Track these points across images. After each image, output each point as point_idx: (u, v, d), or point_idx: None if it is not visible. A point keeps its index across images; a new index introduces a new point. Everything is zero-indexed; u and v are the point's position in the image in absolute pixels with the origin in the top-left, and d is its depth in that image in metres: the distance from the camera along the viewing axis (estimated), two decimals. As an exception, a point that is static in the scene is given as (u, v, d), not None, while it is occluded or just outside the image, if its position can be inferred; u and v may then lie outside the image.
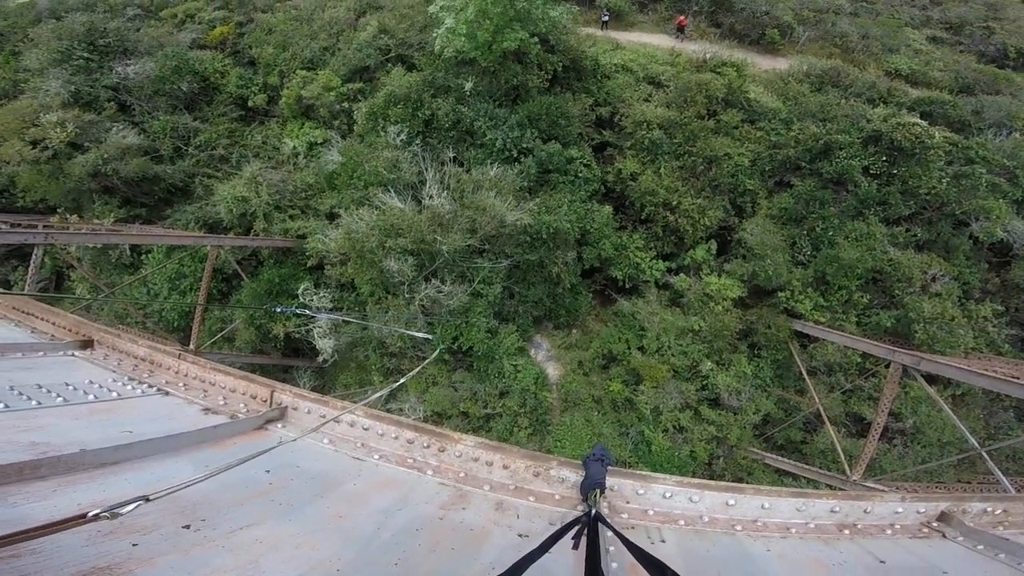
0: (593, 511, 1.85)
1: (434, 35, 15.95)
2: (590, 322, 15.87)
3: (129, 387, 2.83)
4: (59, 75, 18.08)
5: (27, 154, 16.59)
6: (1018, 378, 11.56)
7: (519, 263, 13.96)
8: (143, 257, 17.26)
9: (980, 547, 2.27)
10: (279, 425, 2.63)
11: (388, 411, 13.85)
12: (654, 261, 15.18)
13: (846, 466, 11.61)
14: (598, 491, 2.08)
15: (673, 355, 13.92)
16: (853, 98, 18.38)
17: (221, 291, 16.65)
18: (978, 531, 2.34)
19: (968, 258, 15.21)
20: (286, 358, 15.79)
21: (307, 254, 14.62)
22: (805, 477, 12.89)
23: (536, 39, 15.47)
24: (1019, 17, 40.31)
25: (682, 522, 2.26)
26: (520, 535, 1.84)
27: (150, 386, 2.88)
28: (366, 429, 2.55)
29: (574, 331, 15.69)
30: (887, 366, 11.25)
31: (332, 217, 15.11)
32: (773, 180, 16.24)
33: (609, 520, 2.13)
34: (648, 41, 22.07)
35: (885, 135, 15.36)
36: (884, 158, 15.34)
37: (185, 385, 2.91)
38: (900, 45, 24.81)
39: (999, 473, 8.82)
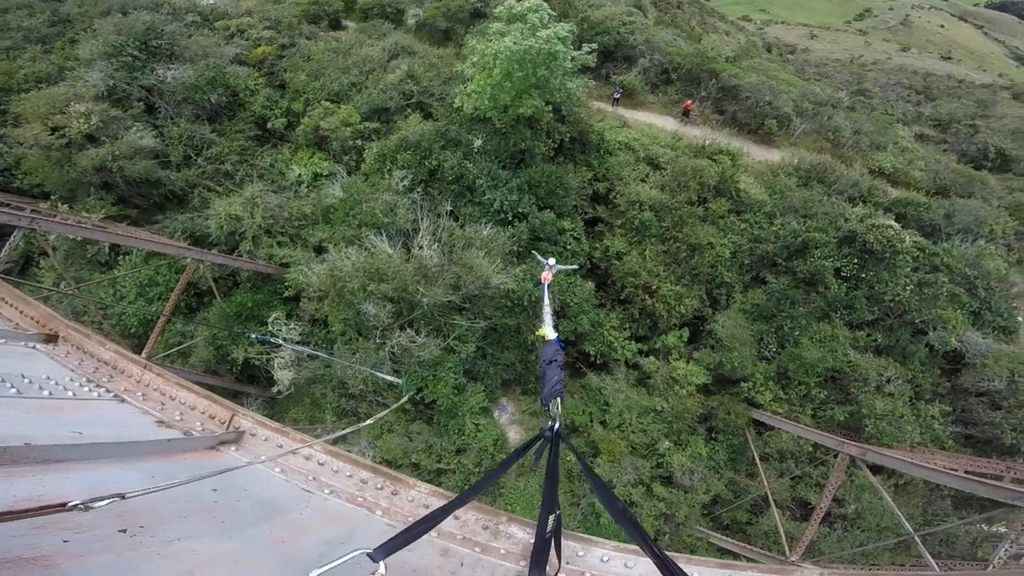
0: (556, 427, 1.90)
1: (457, 90, 16.64)
2: (559, 390, 16.32)
3: (86, 389, 2.81)
4: (104, 68, 18.40)
5: (43, 139, 16.63)
6: (956, 470, 12.23)
7: (496, 326, 14.24)
8: (120, 258, 17.01)
9: None
10: (233, 448, 2.64)
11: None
12: (627, 341, 15.57)
13: (786, 547, 11.87)
14: (557, 400, 2.12)
15: (633, 432, 14.15)
16: (836, 195, 19.25)
17: (190, 305, 16.46)
18: None
19: (923, 363, 15.77)
20: (239, 383, 15.43)
21: (286, 284, 14.66)
22: (746, 556, 13.12)
23: (550, 107, 16.15)
24: (1006, 115, 42.52)
25: None
26: (485, 527, 1.90)
27: (107, 391, 2.86)
28: (321, 464, 2.61)
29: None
30: (836, 456, 11.76)
31: (320, 251, 15.26)
32: (750, 275, 16.90)
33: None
34: (654, 122, 22.86)
35: (859, 236, 16.01)
36: (856, 260, 16.02)
37: (144, 395, 2.90)
38: (888, 142, 25.96)
39: (928, 556, 9.35)
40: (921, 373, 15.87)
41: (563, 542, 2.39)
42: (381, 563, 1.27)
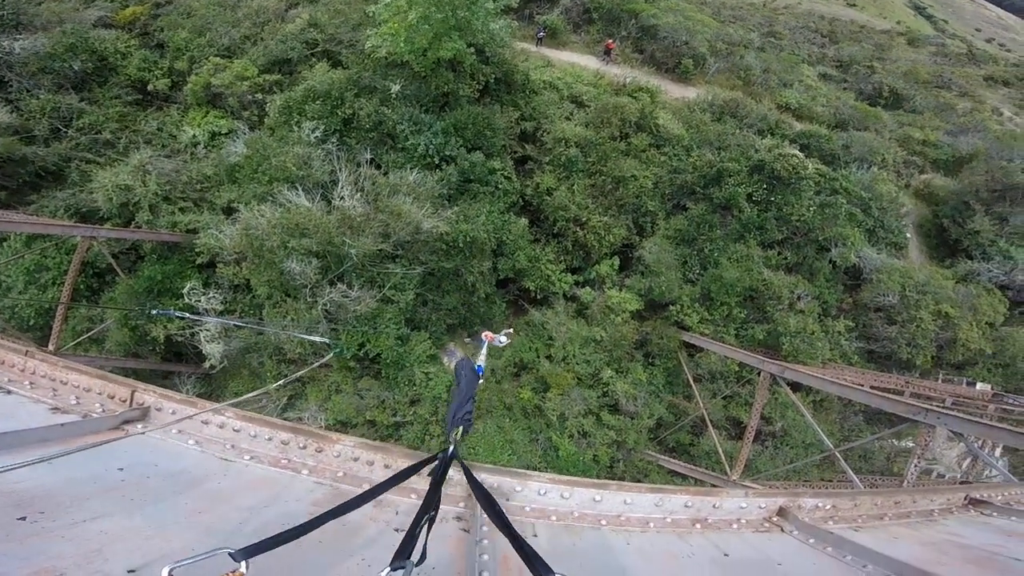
0: (451, 449, 1.94)
1: (367, 34, 15.60)
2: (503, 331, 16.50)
3: (-40, 386, 2.53)
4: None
5: None
6: (863, 386, 13.53)
7: (434, 270, 13.95)
8: (-5, 246, 14.89)
9: (812, 540, 2.45)
10: (139, 426, 2.51)
11: (286, 419, 13.67)
12: (564, 274, 15.99)
13: (727, 467, 12.34)
14: (460, 428, 2.12)
15: (577, 363, 14.71)
16: (746, 128, 20.57)
17: (91, 287, 14.91)
18: (811, 526, 2.52)
19: (828, 280, 17.54)
20: (166, 363, 14.48)
21: (197, 250, 13.57)
22: (693, 477, 13.75)
23: (472, 49, 15.70)
24: (900, 58, 46.24)
25: (554, 518, 2.36)
26: (397, 530, 1.87)
27: (-12, 385, 2.59)
28: (237, 431, 2.50)
29: None
30: (759, 374, 12.31)
31: (230, 212, 14.15)
32: (671, 203, 17.86)
33: (484, 516, 2.17)
34: (577, 61, 23.23)
35: (768, 164, 17.36)
36: (765, 186, 17.37)
37: (32, 384, 2.70)
38: (794, 80, 27.90)
39: (850, 471, 9.58)
40: (827, 290, 17.53)
41: (499, 479, 2.40)
42: (243, 563, 1.22)
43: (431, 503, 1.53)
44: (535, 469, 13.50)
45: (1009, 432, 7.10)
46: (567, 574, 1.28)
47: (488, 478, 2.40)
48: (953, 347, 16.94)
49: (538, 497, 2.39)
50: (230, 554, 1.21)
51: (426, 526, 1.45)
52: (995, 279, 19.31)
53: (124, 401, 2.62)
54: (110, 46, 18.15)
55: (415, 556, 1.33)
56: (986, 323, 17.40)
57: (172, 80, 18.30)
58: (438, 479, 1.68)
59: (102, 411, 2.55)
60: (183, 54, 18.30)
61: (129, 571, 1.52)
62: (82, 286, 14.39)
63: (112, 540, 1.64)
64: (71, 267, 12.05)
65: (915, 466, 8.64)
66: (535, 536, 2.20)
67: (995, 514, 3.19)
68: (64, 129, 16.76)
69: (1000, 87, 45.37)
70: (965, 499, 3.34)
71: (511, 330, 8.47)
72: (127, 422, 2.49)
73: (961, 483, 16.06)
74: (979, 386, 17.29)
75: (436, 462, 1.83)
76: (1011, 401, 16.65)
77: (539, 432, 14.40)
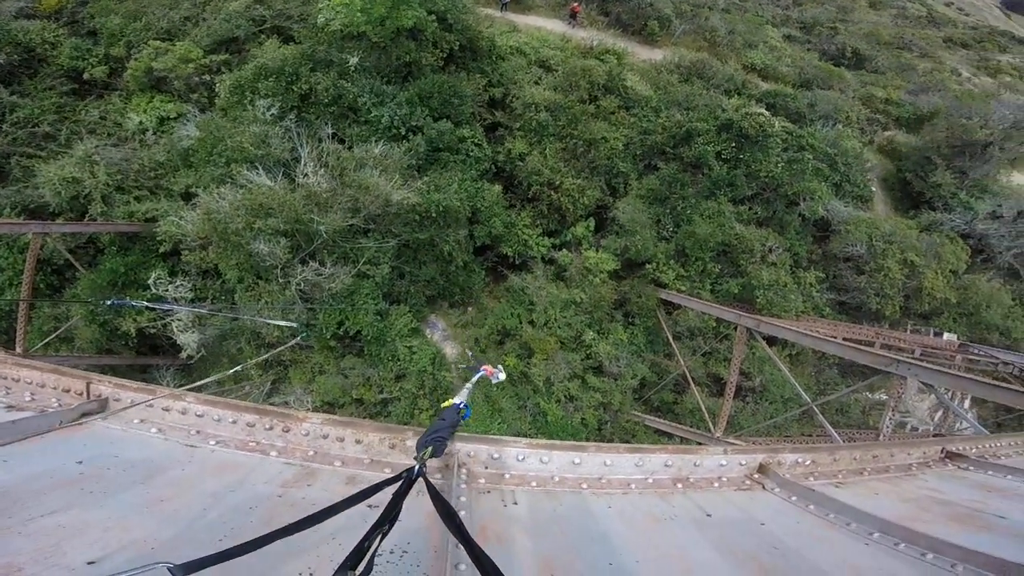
0: (417, 468, 1.83)
1: (319, 7, 15.03)
2: (484, 299, 16.25)
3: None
4: None
5: None
6: (835, 337, 13.85)
7: (408, 242, 13.75)
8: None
9: (794, 498, 2.41)
10: (98, 417, 2.44)
11: (272, 404, 13.34)
12: (540, 238, 15.99)
13: (710, 424, 12.55)
14: (429, 448, 2.04)
15: (559, 327, 14.75)
16: (714, 89, 20.65)
17: (51, 285, 14.32)
18: (791, 482, 2.49)
19: (797, 232, 17.91)
20: (142, 357, 14.08)
21: (159, 239, 13.08)
22: (679, 436, 13.94)
23: (433, 16, 15.24)
24: (863, 20, 46.83)
25: (534, 483, 2.31)
26: (370, 506, 1.82)
27: (-65, 388, 2.49)
28: (200, 416, 2.43)
29: (469, 309, 15.98)
30: (735, 329, 12.35)
31: (189, 197, 13.68)
32: (643, 163, 17.91)
33: (463, 486, 2.14)
34: (543, 25, 22.90)
35: (736, 123, 17.53)
36: (734, 144, 17.54)
37: None
38: (759, 41, 28.05)
39: (828, 425, 9.52)
40: (797, 242, 17.91)
41: (475, 447, 2.35)
42: None
43: (387, 517, 1.48)
44: (525, 435, 13.74)
45: (976, 383, 7.13)
46: (550, 540, 1.20)
47: (464, 446, 2.33)
48: (919, 296, 17.50)
49: (517, 463, 2.34)
50: (169, 569, 1.15)
51: (378, 539, 1.41)
52: (957, 228, 19.99)
53: (80, 394, 2.56)
54: (36, 36, 17.04)
55: (360, 568, 1.28)
56: (950, 271, 17.99)
57: (110, 67, 17.35)
58: (399, 495, 1.63)
59: (58, 405, 2.49)
60: (119, 40, 17.28)
61: (88, 563, 1.49)
62: (42, 284, 13.83)
63: (71, 534, 1.61)
64: (27, 265, 11.61)
65: (890, 419, 8.73)
66: (515, 504, 2.14)
67: (971, 468, 3.21)
68: None
69: (959, 49, 46.44)
70: (941, 452, 3.37)
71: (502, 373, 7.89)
72: (85, 415, 2.43)
73: (934, 435, 16.72)
74: (946, 336, 17.87)
75: (400, 481, 1.77)
76: (976, 351, 17.18)
77: (527, 399, 14.50)
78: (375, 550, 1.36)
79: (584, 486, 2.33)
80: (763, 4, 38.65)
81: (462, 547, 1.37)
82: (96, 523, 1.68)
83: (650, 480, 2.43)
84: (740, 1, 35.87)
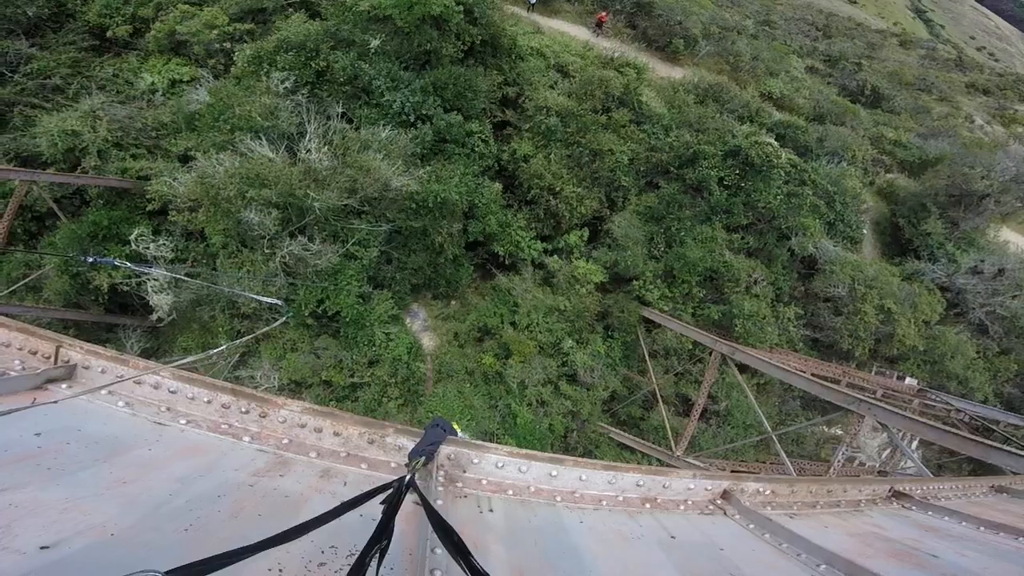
0: (408, 477, 1.81)
1: None
2: (469, 295, 16.33)
3: None
4: None
5: None
6: (805, 372, 14.23)
7: (401, 229, 13.73)
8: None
9: (751, 526, 2.47)
10: (64, 385, 2.27)
11: (237, 379, 12.65)
12: (533, 241, 16.05)
13: (672, 442, 12.87)
14: (422, 459, 2.02)
15: (540, 332, 14.88)
16: (727, 113, 20.75)
17: (29, 231, 14.06)
18: (751, 510, 2.54)
19: (784, 267, 18.12)
20: (110, 314, 13.73)
21: (148, 197, 12.94)
22: (641, 451, 14.35)
23: (461, 8, 15.20)
24: (889, 59, 46.80)
25: (511, 492, 2.31)
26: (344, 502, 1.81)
27: None
28: (173, 392, 2.30)
29: (453, 302, 16.05)
30: (710, 354, 12.62)
31: (186, 160, 13.53)
32: (645, 180, 18.03)
33: (440, 489, 2.13)
34: (567, 30, 22.86)
35: (744, 150, 17.56)
36: (738, 171, 17.61)
37: None
38: (781, 70, 28.08)
39: (784, 455, 9.95)
40: (782, 276, 18.12)
41: (456, 449, 2.33)
42: None
43: (383, 532, 1.41)
44: (492, 435, 14.01)
45: (928, 426, 7.52)
46: (523, 551, 1.18)
47: (444, 448, 2.31)
48: (890, 342, 17.88)
49: (495, 470, 2.35)
50: None
51: (376, 556, 1.34)
52: (937, 280, 20.33)
53: (48, 358, 2.36)
54: (71, -11, 16.81)
55: None
56: (923, 321, 18.43)
57: (134, 27, 17.18)
58: (392, 507, 1.58)
59: (22, 368, 2.29)
60: (150, 1, 17.18)
61: (42, 548, 1.39)
62: (19, 229, 13.57)
63: (23, 514, 1.50)
64: (7, 210, 11.42)
65: (843, 454, 9.13)
66: (491, 511, 2.15)
67: (914, 508, 3.36)
68: (11, 74, 15.75)
69: (979, 95, 46.58)
70: (889, 491, 3.52)
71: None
72: (51, 381, 2.26)
73: (879, 472, 17.35)
74: (908, 380, 18.33)
75: (391, 490, 1.71)
76: (933, 397, 17.82)
77: (498, 399, 14.57)
78: (377, 570, 1.31)
79: (558, 499, 2.37)
80: (792, 33, 38.59)
81: (459, 565, 1.33)
82: (52, 504, 1.58)
83: (621, 498, 2.48)
84: (770, 28, 35.80)
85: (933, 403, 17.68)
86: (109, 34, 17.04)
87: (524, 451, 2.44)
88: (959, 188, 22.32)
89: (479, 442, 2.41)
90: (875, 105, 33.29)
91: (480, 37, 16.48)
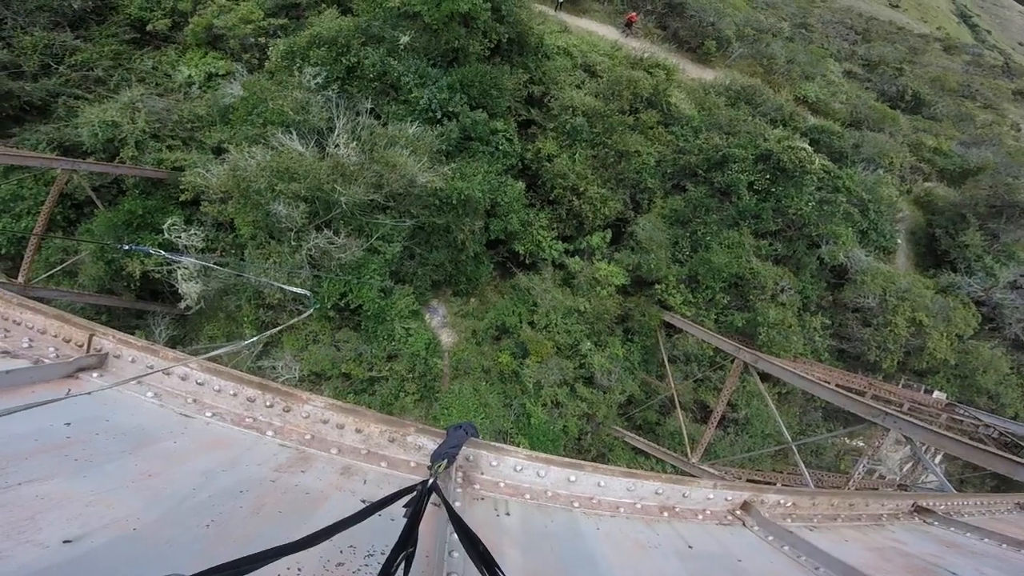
0: (431, 481, 1.77)
1: None
2: (488, 292, 16.35)
3: None
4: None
5: None
6: (829, 383, 13.85)
7: (424, 225, 13.80)
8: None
9: (771, 538, 2.42)
10: (95, 374, 2.27)
11: (260, 369, 13.02)
12: (555, 241, 15.99)
13: (688, 449, 12.76)
14: (444, 462, 2.00)
15: (558, 333, 14.79)
16: (760, 117, 20.24)
17: (68, 218, 14.54)
18: (770, 522, 2.49)
19: (813, 276, 17.66)
20: (141, 301, 14.12)
21: (182, 188, 13.28)
22: (655, 456, 14.27)
23: (488, 5, 15.23)
24: (932, 64, 45.00)
25: (528, 496, 2.29)
26: (363, 500, 1.73)
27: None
28: (200, 384, 2.30)
29: (472, 300, 16.05)
30: (732, 361, 12.40)
31: (219, 152, 13.85)
32: (671, 182, 17.75)
33: (458, 490, 2.12)
34: (596, 30, 22.63)
35: (775, 155, 17.16)
36: (768, 176, 17.21)
37: None
38: (818, 74, 27.27)
39: (802, 465, 9.86)
40: (810, 285, 17.64)
41: (475, 451, 2.32)
42: None
43: (408, 540, 1.39)
44: (506, 434, 14.03)
45: (955, 441, 7.30)
46: (539, 557, 1.15)
47: (463, 449, 2.30)
48: (920, 355, 17.31)
49: (513, 473, 2.33)
50: None
51: (402, 564, 1.31)
52: (973, 294, 19.57)
53: (81, 346, 2.36)
54: (114, -18, 17.47)
55: None
56: (955, 335, 17.71)
57: (173, 20, 17.74)
58: (416, 513, 1.56)
59: (56, 356, 2.31)
60: None
61: (64, 541, 1.38)
62: (58, 216, 14.08)
63: (49, 506, 1.50)
64: (48, 198, 11.79)
65: (863, 466, 8.94)
66: (508, 514, 2.13)
67: (937, 524, 3.27)
68: (56, 66, 16.40)
69: (1027, 103, 44.32)
70: (912, 506, 3.44)
71: None
72: (83, 369, 2.27)
73: (899, 485, 16.76)
74: (936, 394, 17.74)
75: (413, 493, 1.67)
76: (962, 412, 17.22)
77: (514, 398, 14.56)
78: None
79: (576, 504, 2.35)
80: (830, 36, 37.35)
81: (482, 574, 1.30)
82: (78, 496, 1.57)
83: (639, 505, 2.45)
84: (807, 31, 34.76)
85: (961, 417, 17.10)
86: (149, 27, 17.61)
87: (543, 455, 2.42)
88: (1001, 199, 21.38)
89: (498, 444, 2.40)
90: (915, 111, 32.05)
91: (507, 35, 16.47)
